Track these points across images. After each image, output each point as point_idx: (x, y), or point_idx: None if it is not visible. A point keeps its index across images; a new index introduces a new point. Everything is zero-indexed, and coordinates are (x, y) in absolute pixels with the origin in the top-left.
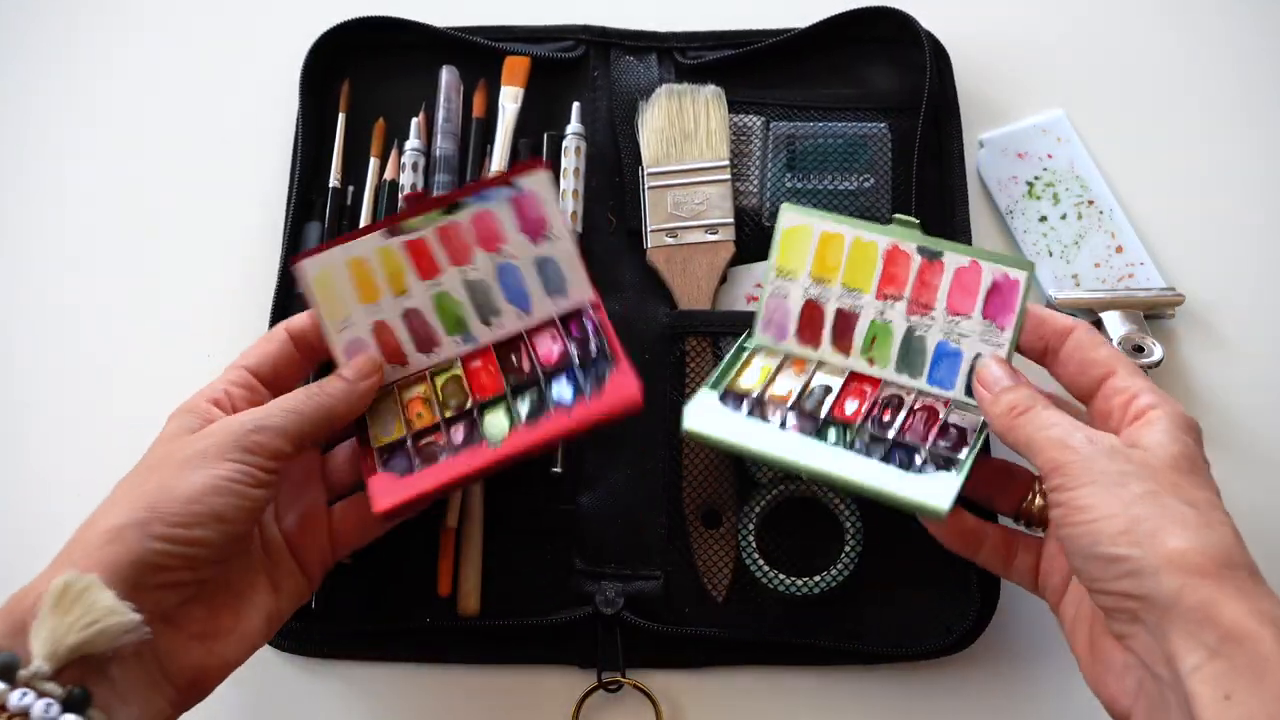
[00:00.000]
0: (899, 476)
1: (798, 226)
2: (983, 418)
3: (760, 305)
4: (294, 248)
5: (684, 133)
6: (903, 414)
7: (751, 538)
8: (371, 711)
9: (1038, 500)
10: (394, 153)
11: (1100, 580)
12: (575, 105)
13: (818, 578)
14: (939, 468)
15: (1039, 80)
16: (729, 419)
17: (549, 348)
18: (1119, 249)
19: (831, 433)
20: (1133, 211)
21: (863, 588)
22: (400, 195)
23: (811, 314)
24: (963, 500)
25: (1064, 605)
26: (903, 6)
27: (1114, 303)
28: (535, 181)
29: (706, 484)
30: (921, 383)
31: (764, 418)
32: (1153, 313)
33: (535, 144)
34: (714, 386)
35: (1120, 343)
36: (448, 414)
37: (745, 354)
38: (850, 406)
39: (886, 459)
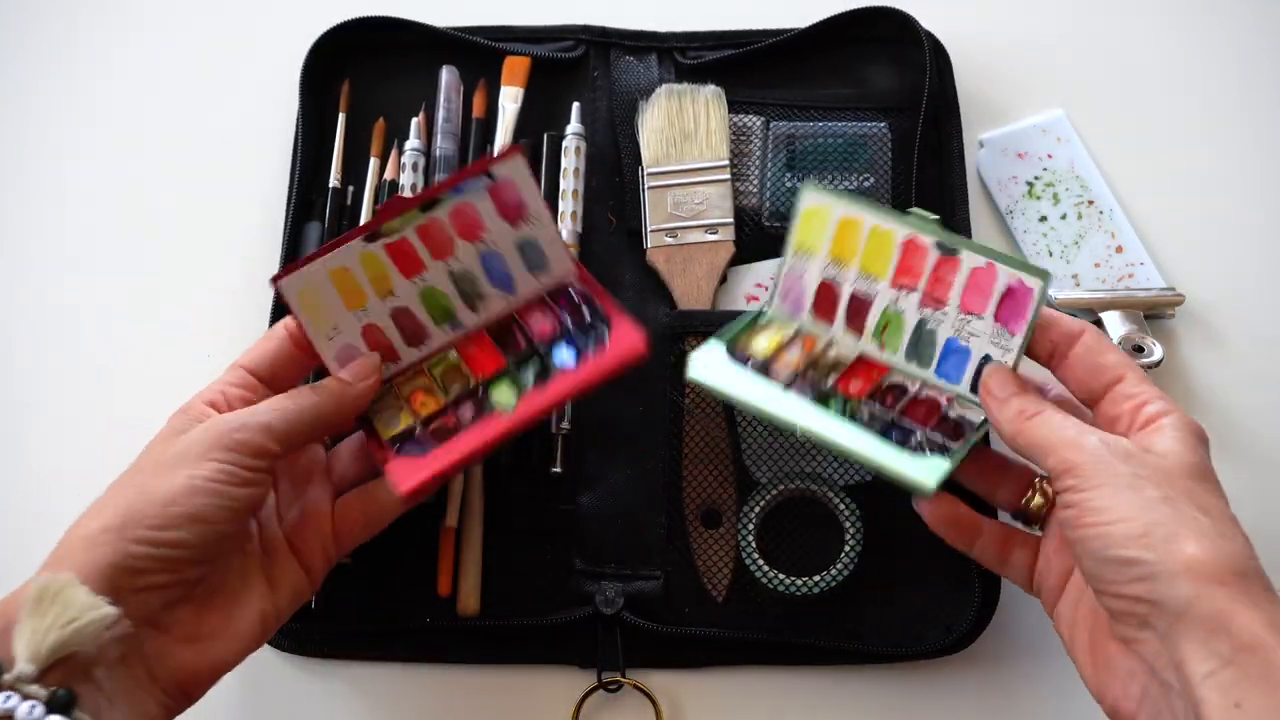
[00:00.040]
0: (892, 450)
1: (817, 207)
2: (983, 416)
3: (778, 277)
4: (294, 248)
5: (684, 133)
6: (905, 401)
7: (751, 538)
8: (371, 711)
9: (1037, 499)
10: (394, 153)
11: (1112, 583)
12: (575, 105)
13: (818, 578)
14: (933, 452)
15: (1039, 80)
16: (733, 372)
17: (541, 322)
18: (1119, 249)
19: (834, 404)
20: (1133, 211)
21: (863, 588)
22: (399, 195)
23: (826, 294)
24: (962, 493)
25: (1060, 607)
26: (903, 6)
27: (1114, 303)
28: (510, 168)
29: (706, 484)
30: (929, 374)
31: (768, 378)
32: (1153, 313)
33: (535, 144)
34: (722, 339)
35: (1120, 343)
36: (452, 396)
37: (760, 321)
38: (855, 385)
39: (884, 434)
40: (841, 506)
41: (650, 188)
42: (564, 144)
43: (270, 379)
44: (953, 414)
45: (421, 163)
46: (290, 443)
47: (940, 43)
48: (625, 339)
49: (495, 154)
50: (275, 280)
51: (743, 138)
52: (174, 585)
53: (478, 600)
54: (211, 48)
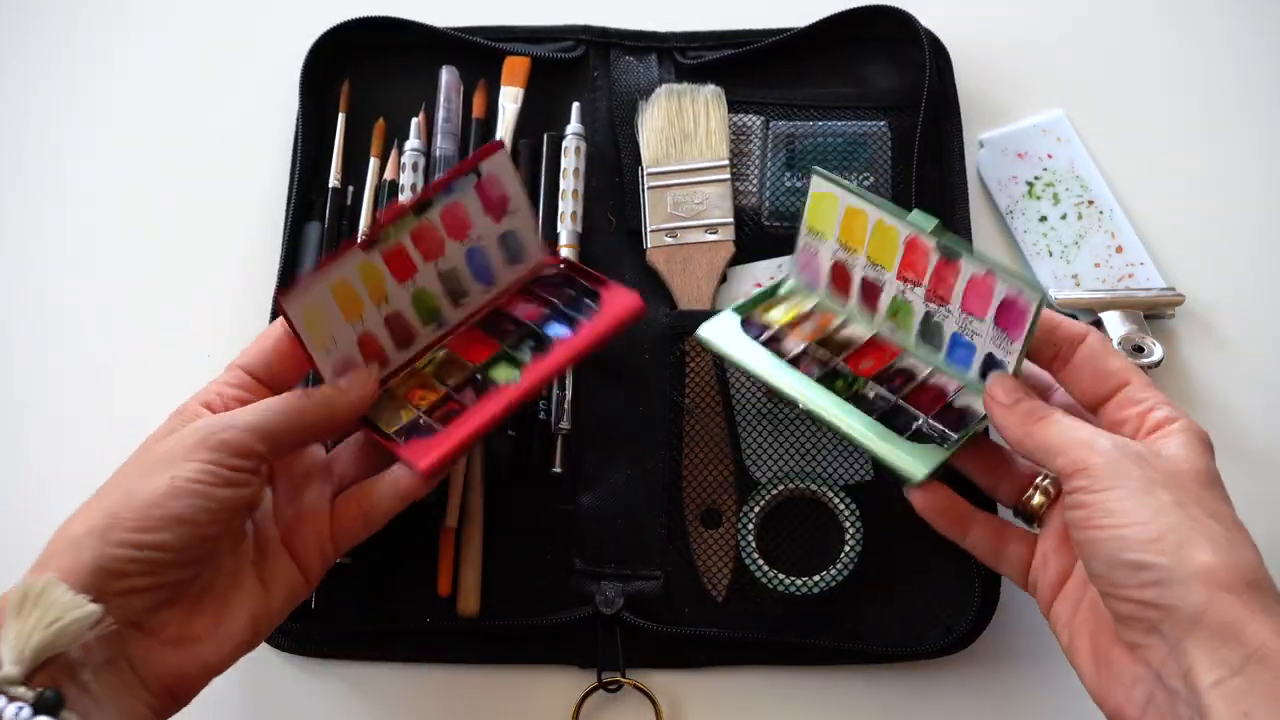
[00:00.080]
0: (886, 436)
1: (825, 193)
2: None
3: (795, 253)
4: (294, 248)
5: (684, 133)
6: (912, 385)
7: (751, 538)
8: (371, 711)
9: (1038, 497)
10: (394, 153)
11: (1123, 587)
12: (575, 105)
13: (818, 578)
14: (929, 441)
15: (1039, 80)
16: (741, 340)
17: (526, 309)
18: (1119, 249)
19: (840, 382)
20: (1133, 211)
21: (863, 588)
22: (399, 195)
23: (840, 272)
24: (965, 484)
25: (1058, 609)
26: (902, 5)
27: (1114, 303)
28: (495, 163)
29: (706, 484)
30: (939, 359)
31: (777, 350)
32: (1153, 313)
33: (535, 144)
34: (739, 310)
35: (1120, 343)
36: (452, 384)
37: (780, 292)
38: (866, 364)
39: (882, 418)
40: (841, 506)
41: (650, 188)
42: (564, 144)
43: (268, 379)
44: (959, 403)
45: (421, 163)
46: (277, 444)
47: (940, 41)
48: (620, 298)
49: (478, 150)
50: (280, 300)
51: (742, 137)
52: (157, 588)
53: (478, 600)
54: (211, 48)
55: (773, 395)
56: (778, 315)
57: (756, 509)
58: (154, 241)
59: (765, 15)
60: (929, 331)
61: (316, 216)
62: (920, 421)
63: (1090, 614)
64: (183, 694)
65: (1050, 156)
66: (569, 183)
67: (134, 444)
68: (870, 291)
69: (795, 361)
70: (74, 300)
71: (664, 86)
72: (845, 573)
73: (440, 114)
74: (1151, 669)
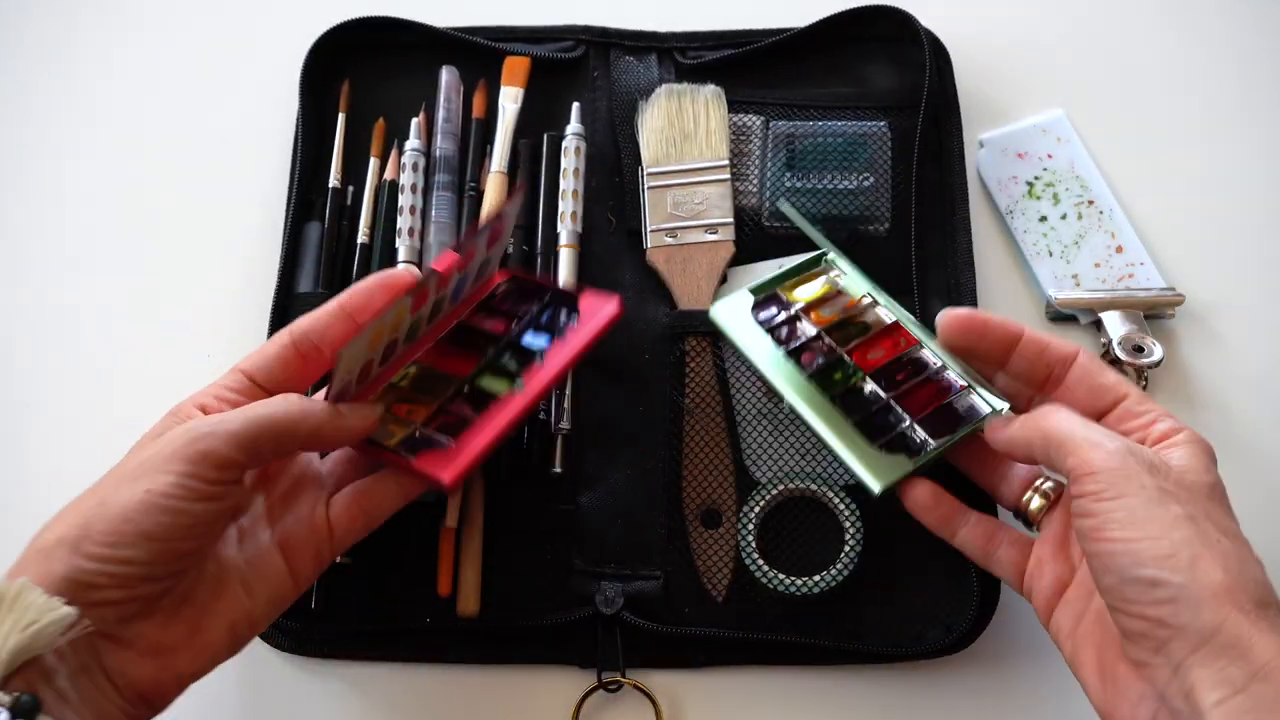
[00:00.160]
0: (855, 443)
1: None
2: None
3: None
4: (294, 248)
5: (684, 133)
6: (915, 381)
7: (751, 538)
8: (371, 711)
9: (1037, 500)
10: (394, 153)
11: (1135, 604)
12: (575, 105)
13: (818, 578)
14: (904, 448)
15: (1039, 80)
16: (747, 325)
17: (491, 323)
18: (1119, 249)
19: (838, 374)
20: (1133, 211)
21: (863, 588)
22: (399, 195)
23: None
24: (963, 483)
25: (1059, 620)
26: (902, 5)
27: (1114, 303)
28: (515, 204)
29: (706, 484)
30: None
31: (781, 338)
32: (1153, 313)
33: (535, 144)
34: (770, 284)
35: (1120, 343)
36: (443, 397)
37: (820, 264)
38: (875, 354)
39: (862, 422)
40: (841, 506)
41: (650, 188)
42: (564, 144)
43: (269, 385)
44: (960, 404)
45: (421, 163)
46: (260, 455)
47: (940, 41)
48: (597, 304)
49: (509, 193)
50: (336, 354)
51: (742, 137)
52: (128, 601)
53: (478, 600)
54: (211, 48)
55: (764, 387)
56: (807, 292)
57: (756, 509)
58: (154, 241)
59: (765, 15)
60: None
61: (316, 216)
62: (905, 424)
63: (1096, 627)
64: (158, 701)
65: (1050, 156)
66: (569, 183)
67: (133, 444)
68: None
69: (801, 350)
70: (74, 300)
71: (664, 86)
72: (845, 573)
73: (440, 114)
74: (1156, 688)
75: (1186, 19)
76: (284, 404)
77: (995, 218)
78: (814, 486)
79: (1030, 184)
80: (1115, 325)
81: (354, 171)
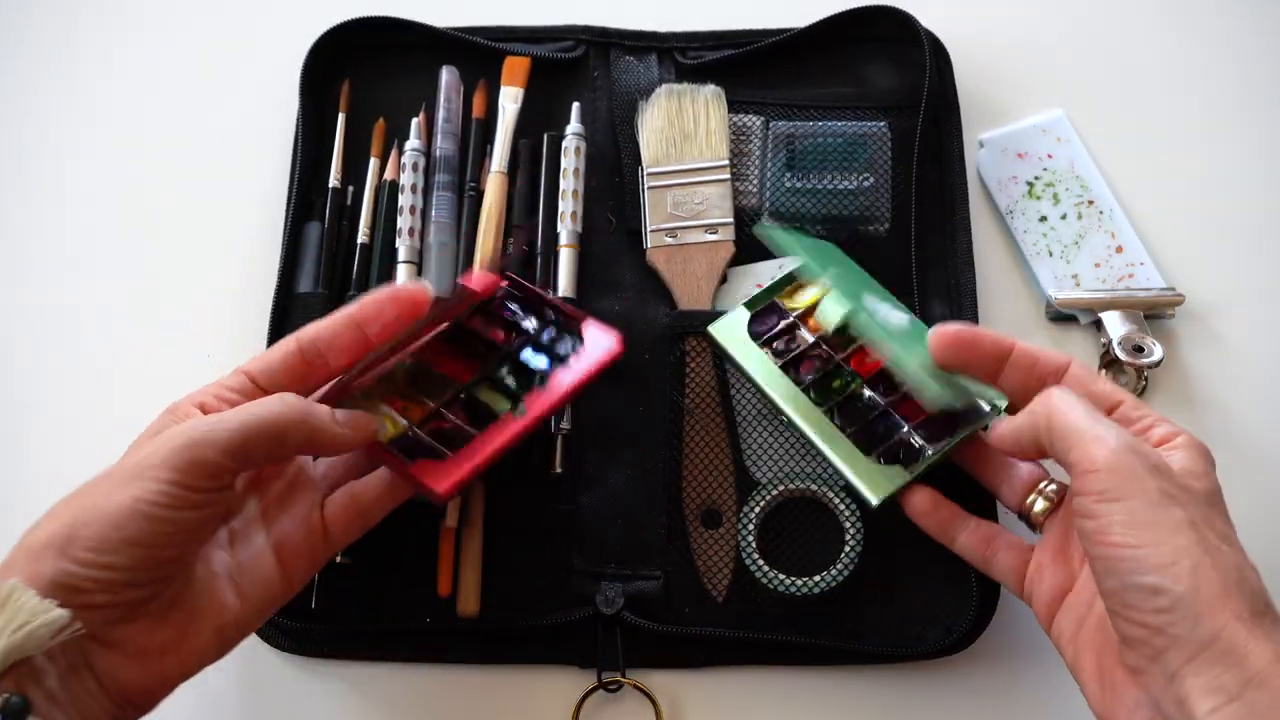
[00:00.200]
0: (852, 455)
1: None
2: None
3: None
4: (294, 248)
5: (684, 133)
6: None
7: (751, 538)
8: (371, 711)
9: (1040, 503)
10: (394, 153)
11: (1134, 609)
12: (575, 105)
13: (818, 578)
14: (899, 458)
15: (1039, 80)
16: (743, 340)
17: (492, 330)
18: (1119, 249)
19: (837, 382)
20: (1133, 211)
21: (863, 588)
22: (399, 195)
23: None
24: (963, 487)
25: (1060, 625)
26: (902, 5)
27: (1114, 303)
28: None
29: (706, 484)
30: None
31: (788, 342)
32: (1153, 313)
33: (535, 144)
34: (752, 304)
35: (1120, 343)
36: (439, 401)
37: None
38: (872, 357)
39: (859, 433)
40: (841, 506)
41: (650, 188)
42: (564, 144)
43: (270, 388)
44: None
45: (421, 163)
46: (251, 458)
47: (940, 42)
48: (601, 340)
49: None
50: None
51: (743, 137)
52: (114, 605)
53: (477, 600)
54: (211, 48)
55: (765, 403)
56: (806, 297)
57: (757, 509)
58: (154, 241)
59: (765, 15)
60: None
61: (316, 216)
62: (903, 430)
63: (1097, 634)
64: (144, 703)
65: (1050, 156)
66: (569, 183)
67: None
68: None
69: (799, 359)
70: (74, 300)
71: (664, 86)
72: (845, 573)
73: (440, 114)
74: (1151, 695)
75: (1186, 19)
76: (279, 405)
77: (995, 218)
78: (814, 487)
79: (1030, 184)
80: (1115, 325)
81: (354, 171)
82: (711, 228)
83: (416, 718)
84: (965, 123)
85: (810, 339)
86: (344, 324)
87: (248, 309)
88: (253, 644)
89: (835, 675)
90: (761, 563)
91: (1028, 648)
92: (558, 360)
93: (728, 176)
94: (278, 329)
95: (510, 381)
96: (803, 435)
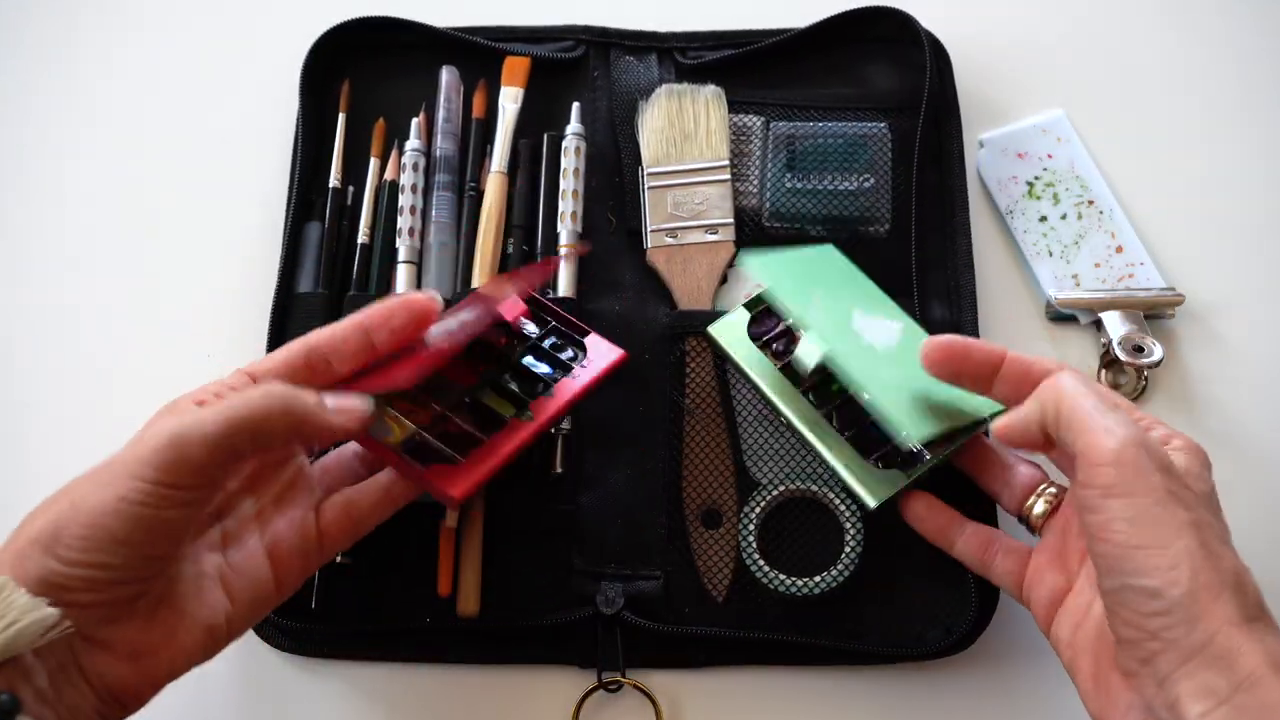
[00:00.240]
0: (852, 459)
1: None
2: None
3: None
4: (294, 248)
5: (684, 133)
6: None
7: (751, 538)
8: (371, 711)
9: (1039, 506)
10: (394, 153)
11: (1132, 609)
12: (575, 105)
13: (818, 578)
14: (898, 461)
15: (1039, 80)
16: (743, 341)
17: (492, 334)
18: (1119, 249)
19: (836, 384)
20: (1133, 211)
21: (863, 588)
22: (399, 195)
23: None
24: (962, 491)
25: (1058, 629)
26: (903, 6)
27: (1114, 303)
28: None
29: (706, 484)
30: None
31: (778, 351)
32: (1153, 313)
33: (535, 144)
34: (751, 305)
35: (1120, 343)
36: (444, 405)
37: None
38: None
39: (857, 437)
40: (841, 507)
41: (650, 188)
42: (564, 144)
43: None
44: None
45: (421, 163)
46: (237, 452)
47: (940, 42)
48: (606, 354)
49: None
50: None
51: (743, 138)
52: (100, 604)
53: (477, 600)
54: (211, 48)
55: (765, 404)
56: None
57: (757, 509)
58: (154, 241)
59: (765, 15)
60: None
61: (316, 216)
62: (900, 437)
63: (1094, 637)
64: (132, 703)
65: (1050, 156)
66: (569, 183)
67: None
68: None
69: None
70: (74, 300)
71: (664, 86)
72: (845, 573)
73: (440, 114)
74: (1143, 698)
75: (1186, 19)
76: (261, 395)
77: (995, 218)
78: (814, 487)
79: (1030, 184)
80: (1115, 325)
81: (354, 171)
82: (712, 228)
83: (416, 718)
84: (965, 123)
85: (808, 343)
86: (352, 331)
87: (248, 309)
88: (252, 644)
89: (835, 675)
90: (762, 563)
91: (1027, 648)
92: (560, 366)
93: (728, 177)
94: (278, 329)
95: (514, 387)
96: (801, 437)
